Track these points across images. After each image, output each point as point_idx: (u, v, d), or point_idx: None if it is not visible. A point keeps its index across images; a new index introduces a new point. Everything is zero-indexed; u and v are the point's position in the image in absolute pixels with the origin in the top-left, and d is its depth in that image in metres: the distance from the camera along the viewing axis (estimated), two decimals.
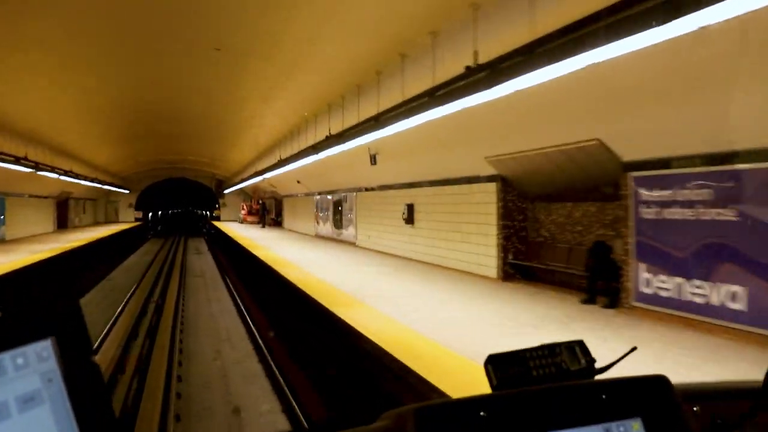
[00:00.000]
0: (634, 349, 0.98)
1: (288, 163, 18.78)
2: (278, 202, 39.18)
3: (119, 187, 40.52)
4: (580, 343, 0.92)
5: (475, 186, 13.29)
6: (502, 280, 12.41)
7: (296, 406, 7.79)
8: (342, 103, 13.28)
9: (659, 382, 0.88)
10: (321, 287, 11.24)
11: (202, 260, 29.67)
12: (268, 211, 39.29)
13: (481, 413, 0.80)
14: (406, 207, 16.74)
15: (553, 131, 9.85)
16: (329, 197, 25.78)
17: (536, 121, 9.92)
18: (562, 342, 0.92)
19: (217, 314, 15.44)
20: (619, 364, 0.94)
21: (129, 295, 17.01)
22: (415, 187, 16.43)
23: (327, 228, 26.51)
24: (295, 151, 18.09)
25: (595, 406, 0.84)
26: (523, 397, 0.84)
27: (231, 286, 19.79)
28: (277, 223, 38.86)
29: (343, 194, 23.70)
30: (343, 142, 12.47)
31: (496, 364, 0.88)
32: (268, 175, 23.98)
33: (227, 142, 27.36)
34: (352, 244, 22.32)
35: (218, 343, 12.41)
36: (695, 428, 0.87)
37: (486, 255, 12.87)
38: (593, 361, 0.91)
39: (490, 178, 12.64)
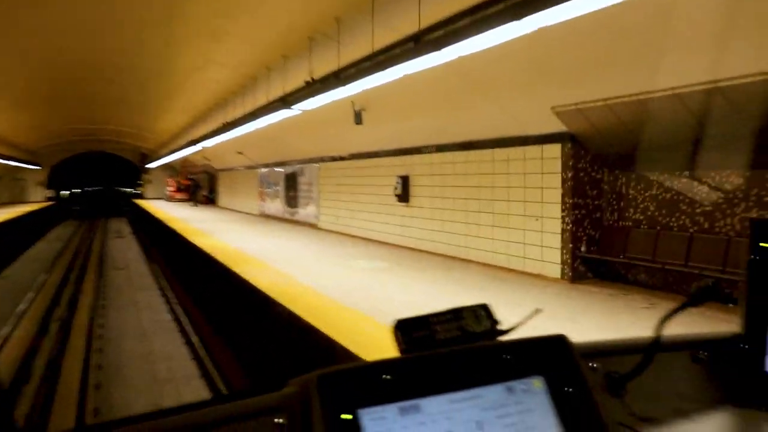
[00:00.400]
0: (538, 311, 0.95)
1: (238, 126, 14.14)
2: (211, 177, 34.03)
3: (26, 162, 34.11)
4: (484, 307, 0.90)
5: (519, 150, 9.22)
6: (570, 280, 8.45)
7: None
8: (337, 30, 8.82)
9: (559, 341, 0.88)
10: (325, 309, 6.91)
11: (125, 246, 24.49)
12: (200, 188, 34.08)
13: (385, 376, 0.78)
14: (399, 180, 12.51)
15: (712, 57, 5.86)
16: (280, 170, 21.18)
17: (680, 45, 5.90)
18: (466, 306, 0.89)
19: (149, 330, 10.85)
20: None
21: (22, 309, 12.03)
22: (412, 153, 12.21)
23: (276, 206, 21.93)
24: (249, 110, 13.46)
25: (498, 366, 0.84)
26: (426, 360, 0.82)
27: (164, 283, 15.09)
28: (210, 200, 33.77)
29: (298, 166, 19.18)
30: (342, 84, 8.07)
31: (403, 329, 0.85)
32: (206, 144, 19.12)
33: (158, 105, 21.95)
34: (313, 226, 17.93)
35: (156, 388, 7.93)
36: (593, 382, 0.86)
37: (541, 245, 8.87)
38: (496, 323, 0.90)
39: (551, 138, 8.59)
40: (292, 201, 20.13)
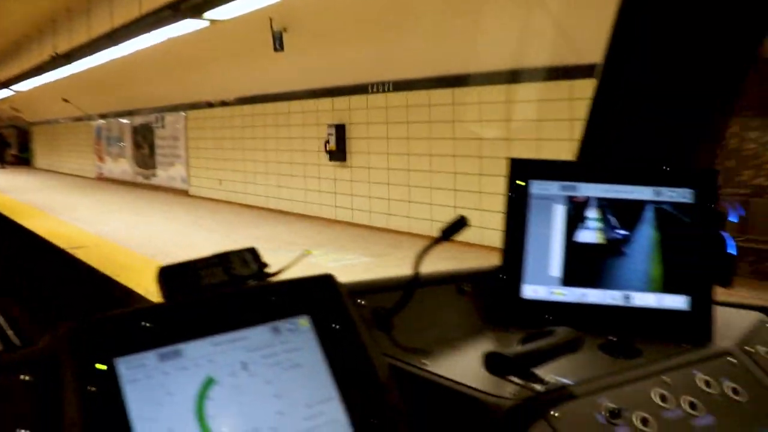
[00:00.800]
0: (306, 253, 1.15)
1: (78, 58, 9.58)
2: (22, 133, 27.28)
3: None
4: (252, 250, 0.85)
5: (563, 85, 6.14)
6: None
7: None
8: None
9: (325, 280, 0.86)
10: None
11: None
12: (9, 146, 27.22)
13: (145, 323, 0.71)
14: (332, 130, 8.92)
15: None
16: (125, 121, 16.29)
17: None
18: (233, 250, 0.83)
19: None
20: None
21: None
22: (351, 93, 8.67)
23: (121, 167, 17.06)
24: (98, 34, 8.93)
25: (264, 307, 0.79)
26: (188, 304, 0.76)
27: None
28: (23, 160, 27.17)
29: (154, 115, 14.59)
30: None
31: (167, 276, 0.77)
32: (20, 87, 13.81)
33: None
34: (181, 192, 13.65)
35: None
36: (360, 318, 0.85)
37: None
38: (264, 266, 0.85)
39: None
40: (146, 161, 15.50)
